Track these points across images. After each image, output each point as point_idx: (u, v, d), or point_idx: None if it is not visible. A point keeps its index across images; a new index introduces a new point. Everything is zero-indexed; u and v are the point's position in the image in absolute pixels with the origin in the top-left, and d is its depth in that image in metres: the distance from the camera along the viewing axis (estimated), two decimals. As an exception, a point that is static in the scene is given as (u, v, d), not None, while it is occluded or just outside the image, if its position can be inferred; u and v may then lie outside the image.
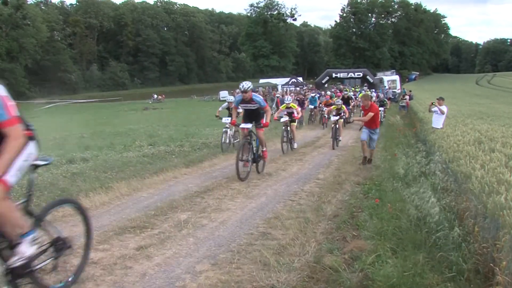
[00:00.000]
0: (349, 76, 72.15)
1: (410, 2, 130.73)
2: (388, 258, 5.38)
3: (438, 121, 16.42)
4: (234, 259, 5.69)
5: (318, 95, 34.27)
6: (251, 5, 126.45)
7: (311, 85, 69.14)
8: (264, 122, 11.57)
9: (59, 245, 4.57)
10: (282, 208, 8.20)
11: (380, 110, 23.38)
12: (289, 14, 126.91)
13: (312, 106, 28.28)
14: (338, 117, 18.70)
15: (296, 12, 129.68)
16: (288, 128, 16.30)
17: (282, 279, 5.09)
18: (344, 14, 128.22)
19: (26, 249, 4.00)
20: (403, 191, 8.70)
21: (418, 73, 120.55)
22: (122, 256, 5.76)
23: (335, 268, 5.22)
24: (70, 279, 4.78)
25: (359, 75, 70.15)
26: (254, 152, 11.37)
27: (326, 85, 67.39)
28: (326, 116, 24.60)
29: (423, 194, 7.92)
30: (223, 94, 73.30)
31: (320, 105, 28.03)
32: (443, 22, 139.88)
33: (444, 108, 16.54)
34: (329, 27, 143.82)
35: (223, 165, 12.80)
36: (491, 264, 4.96)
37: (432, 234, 6.07)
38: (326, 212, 7.87)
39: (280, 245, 6.16)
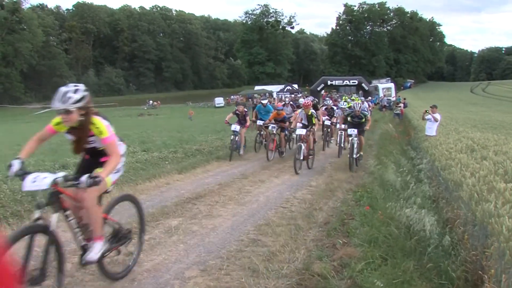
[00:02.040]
0: (344, 83, 72.04)
1: (406, 11, 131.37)
2: (377, 266, 5.38)
3: (431, 129, 16.51)
4: (224, 265, 5.68)
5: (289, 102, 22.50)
6: (246, 13, 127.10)
7: (306, 92, 69.09)
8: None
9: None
10: (274, 215, 8.20)
11: (353, 137, 14.34)
12: (286, 22, 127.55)
13: (261, 123, 17.00)
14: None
15: (295, 20, 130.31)
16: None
17: (271, 286, 5.10)
18: (340, 22, 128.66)
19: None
20: (394, 198, 8.70)
21: (413, 81, 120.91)
22: (111, 261, 5.75)
23: (324, 275, 5.22)
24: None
25: (354, 82, 70.08)
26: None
27: (322, 92, 67.41)
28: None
29: (414, 202, 7.94)
30: (219, 100, 73.49)
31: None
32: (438, 30, 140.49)
33: (437, 116, 16.61)
34: (325, 35, 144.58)
35: (216, 171, 12.80)
36: (480, 272, 4.98)
37: (422, 242, 6.08)
38: (317, 219, 7.87)
39: (270, 251, 6.15)
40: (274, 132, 15.53)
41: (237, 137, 15.61)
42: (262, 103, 18.31)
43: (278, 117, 16.03)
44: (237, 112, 16.66)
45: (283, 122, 16.10)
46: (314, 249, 6.32)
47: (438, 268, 5.38)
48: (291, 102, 22.27)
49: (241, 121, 16.29)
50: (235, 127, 15.82)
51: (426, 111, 17.38)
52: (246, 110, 17.09)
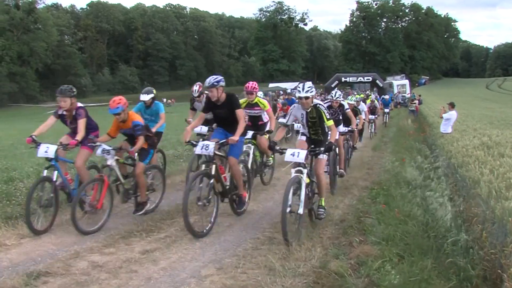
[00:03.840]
0: (358, 80, 71.85)
1: (422, 6, 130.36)
2: (394, 264, 5.33)
3: (445, 126, 16.36)
4: (240, 263, 5.67)
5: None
6: (260, 10, 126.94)
7: (320, 90, 68.90)
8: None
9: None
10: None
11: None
12: (299, 19, 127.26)
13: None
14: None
15: (308, 17, 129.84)
16: None
17: (288, 284, 5.07)
18: (354, 19, 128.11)
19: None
20: (410, 196, 8.63)
21: (428, 77, 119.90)
22: (127, 259, 5.76)
23: (341, 274, 5.18)
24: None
25: (369, 79, 69.89)
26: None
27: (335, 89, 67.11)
28: None
29: (430, 200, 7.87)
30: (233, 98, 73.30)
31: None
32: (453, 26, 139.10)
33: (447, 114, 16.45)
34: (338, 32, 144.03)
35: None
36: (499, 271, 4.91)
37: (440, 240, 6.01)
38: (333, 217, 7.83)
39: (286, 249, 6.13)
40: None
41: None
42: (144, 101, 10.41)
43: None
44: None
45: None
46: (330, 247, 6.29)
47: (456, 266, 5.32)
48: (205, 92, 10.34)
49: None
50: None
51: (443, 107, 17.24)
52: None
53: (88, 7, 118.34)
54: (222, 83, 7.59)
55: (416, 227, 6.55)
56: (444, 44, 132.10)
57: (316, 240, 6.57)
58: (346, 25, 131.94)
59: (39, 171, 10.30)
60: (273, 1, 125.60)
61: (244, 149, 9.08)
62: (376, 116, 23.98)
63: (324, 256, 5.94)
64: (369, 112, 21.79)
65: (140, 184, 7.71)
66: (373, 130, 23.07)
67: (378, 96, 43.11)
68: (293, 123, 10.63)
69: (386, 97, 38.36)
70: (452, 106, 16.73)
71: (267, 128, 9.97)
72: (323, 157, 7.54)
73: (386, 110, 31.10)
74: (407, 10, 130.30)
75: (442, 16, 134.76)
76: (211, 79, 7.58)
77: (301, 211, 6.62)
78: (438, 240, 6.00)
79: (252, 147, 9.71)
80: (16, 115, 67.36)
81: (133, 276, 5.30)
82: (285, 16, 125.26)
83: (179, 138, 18.36)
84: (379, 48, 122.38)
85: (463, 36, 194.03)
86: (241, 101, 8.96)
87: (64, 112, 7.78)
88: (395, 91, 63.29)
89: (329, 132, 7.64)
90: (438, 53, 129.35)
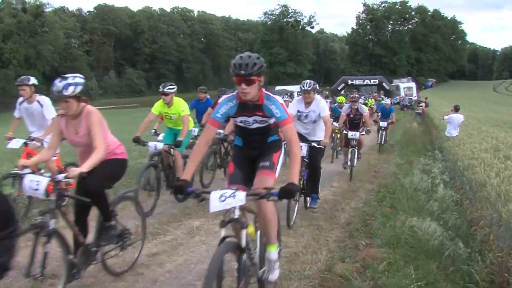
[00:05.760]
0: (364, 83, 71.66)
1: (428, 9, 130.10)
2: (400, 267, 5.33)
3: (448, 129, 16.33)
4: (246, 266, 5.66)
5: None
6: (265, 13, 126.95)
7: (327, 92, 68.78)
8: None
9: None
10: (296, 216, 8.16)
11: None
12: (306, 22, 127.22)
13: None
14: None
15: (315, 20, 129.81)
16: None
17: (293, 287, 5.07)
18: (361, 21, 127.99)
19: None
20: (417, 199, 8.61)
21: (434, 80, 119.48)
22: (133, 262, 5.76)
23: (346, 277, 5.18)
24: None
25: (375, 82, 69.70)
26: None
27: (342, 92, 66.97)
28: None
29: (436, 201, 7.85)
30: (239, 101, 73.41)
31: None
32: (460, 28, 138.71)
33: (448, 117, 16.45)
34: (345, 34, 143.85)
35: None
36: (505, 274, 4.90)
37: (445, 243, 6.00)
38: (339, 220, 7.83)
39: (292, 252, 6.13)
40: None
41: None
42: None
43: None
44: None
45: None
46: (336, 250, 6.29)
47: (462, 270, 5.31)
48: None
49: None
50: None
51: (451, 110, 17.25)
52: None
53: (94, 10, 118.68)
54: None
55: (421, 231, 6.54)
56: (451, 47, 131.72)
57: (322, 243, 6.58)
58: (352, 28, 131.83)
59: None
60: (278, 4, 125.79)
61: None
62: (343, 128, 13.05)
63: (330, 259, 5.95)
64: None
65: None
66: (335, 151, 15.52)
67: (385, 98, 41.86)
68: None
69: (388, 103, 24.07)
70: (456, 109, 16.71)
71: None
72: None
73: (383, 124, 18.24)
74: (413, 13, 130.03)
75: (449, 18, 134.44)
76: None
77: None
78: (443, 244, 5.98)
79: None
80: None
81: (139, 278, 5.32)
82: (291, 19, 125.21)
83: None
84: (385, 50, 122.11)
85: (469, 38, 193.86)
86: None
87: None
88: (402, 93, 63.23)
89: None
90: (444, 56, 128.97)
